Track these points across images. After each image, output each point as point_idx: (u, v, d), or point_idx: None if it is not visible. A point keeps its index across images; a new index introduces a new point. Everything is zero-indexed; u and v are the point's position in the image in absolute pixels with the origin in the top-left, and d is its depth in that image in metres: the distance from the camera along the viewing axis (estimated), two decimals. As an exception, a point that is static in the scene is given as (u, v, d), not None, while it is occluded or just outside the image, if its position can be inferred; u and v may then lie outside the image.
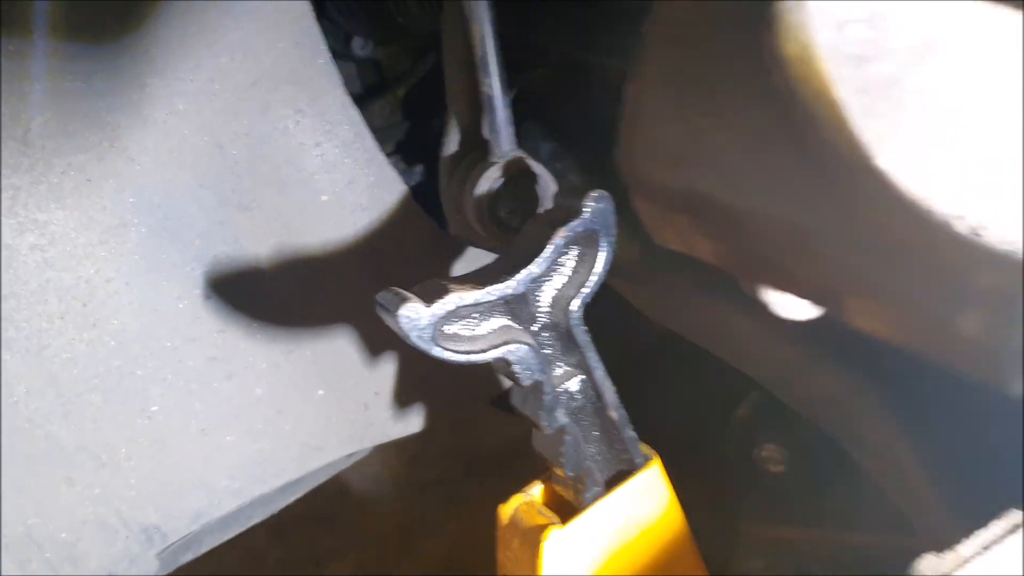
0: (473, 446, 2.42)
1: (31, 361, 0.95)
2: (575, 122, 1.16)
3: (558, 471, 0.92)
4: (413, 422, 1.13)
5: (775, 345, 1.00)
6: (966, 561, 0.58)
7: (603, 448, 0.92)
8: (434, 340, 0.80)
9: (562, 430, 0.89)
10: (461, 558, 1.92)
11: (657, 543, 0.94)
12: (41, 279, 0.93)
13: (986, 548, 0.58)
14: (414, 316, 0.77)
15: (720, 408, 1.62)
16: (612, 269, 1.19)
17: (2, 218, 0.89)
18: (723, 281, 1.07)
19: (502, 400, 1.14)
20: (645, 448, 0.94)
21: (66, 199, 0.92)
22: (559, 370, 0.89)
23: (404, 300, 0.77)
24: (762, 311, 1.03)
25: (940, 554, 0.59)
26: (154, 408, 1.01)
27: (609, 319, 1.07)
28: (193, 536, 1.11)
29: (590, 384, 0.90)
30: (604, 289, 0.89)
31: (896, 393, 0.90)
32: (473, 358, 0.83)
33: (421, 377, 1.13)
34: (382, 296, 0.80)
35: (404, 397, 1.10)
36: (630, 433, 0.92)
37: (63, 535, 0.95)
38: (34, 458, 0.95)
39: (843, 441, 0.97)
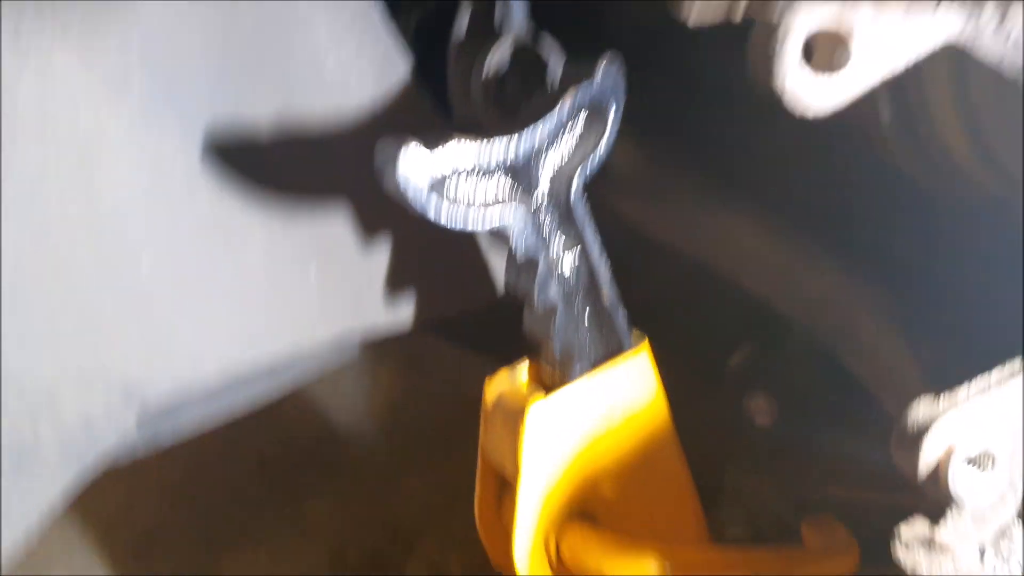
0: (461, 390, 2.41)
1: (22, 209, 0.94)
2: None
3: (546, 351, 0.91)
4: (404, 320, 1.12)
5: (775, 249, 0.99)
6: (963, 403, 0.57)
7: (593, 330, 0.91)
8: (432, 194, 0.79)
9: (553, 309, 0.88)
10: (444, 498, 1.91)
11: (640, 431, 0.93)
12: (39, 120, 0.92)
13: (983, 392, 0.57)
14: (415, 161, 0.76)
15: (711, 363, 1.61)
16: (613, 184, 1.18)
17: (3, 47, 0.87)
18: (723, 191, 1.07)
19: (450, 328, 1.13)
20: (636, 333, 0.93)
21: (71, 39, 0.91)
22: (555, 246, 0.88)
23: (406, 144, 0.76)
24: (763, 217, 1.02)
25: (935, 396, 0.59)
26: (145, 269, 0.99)
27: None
28: (174, 405, 1.10)
29: (585, 262, 0.89)
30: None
31: (894, 295, 0.89)
32: (470, 224, 0.83)
33: (417, 273, 1.11)
34: (382, 144, 0.79)
35: (398, 292, 1.09)
36: (621, 315, 0.91)
37: (43, 380, 0.94)
38: (17, 302, 0.94)
39: (838, 347, 0.97)
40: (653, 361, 0.93)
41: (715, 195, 1.07)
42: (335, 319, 1.10)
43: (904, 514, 0.63)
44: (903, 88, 0.74)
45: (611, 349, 0.92)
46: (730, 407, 1.53)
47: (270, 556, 2.11)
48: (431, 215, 0.81)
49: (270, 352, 1.10)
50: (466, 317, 1.17)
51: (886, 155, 0.82)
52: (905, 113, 0.76)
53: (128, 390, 1.00)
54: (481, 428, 0.96)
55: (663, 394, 0.94)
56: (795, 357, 1.33)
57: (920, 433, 0.56)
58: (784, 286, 0.99)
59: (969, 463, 0.56)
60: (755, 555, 0.88)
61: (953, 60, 0.69)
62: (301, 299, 1.08)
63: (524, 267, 0.87)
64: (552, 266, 0.87)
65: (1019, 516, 0.58)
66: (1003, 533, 0.58)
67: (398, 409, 2.44)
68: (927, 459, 0.56)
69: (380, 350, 2.69)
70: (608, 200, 1.16)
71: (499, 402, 0.93)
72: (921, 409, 0.57)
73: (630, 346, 0.92)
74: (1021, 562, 0.57)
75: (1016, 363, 0.58)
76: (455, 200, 0.82)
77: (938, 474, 0.55)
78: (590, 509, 0.93)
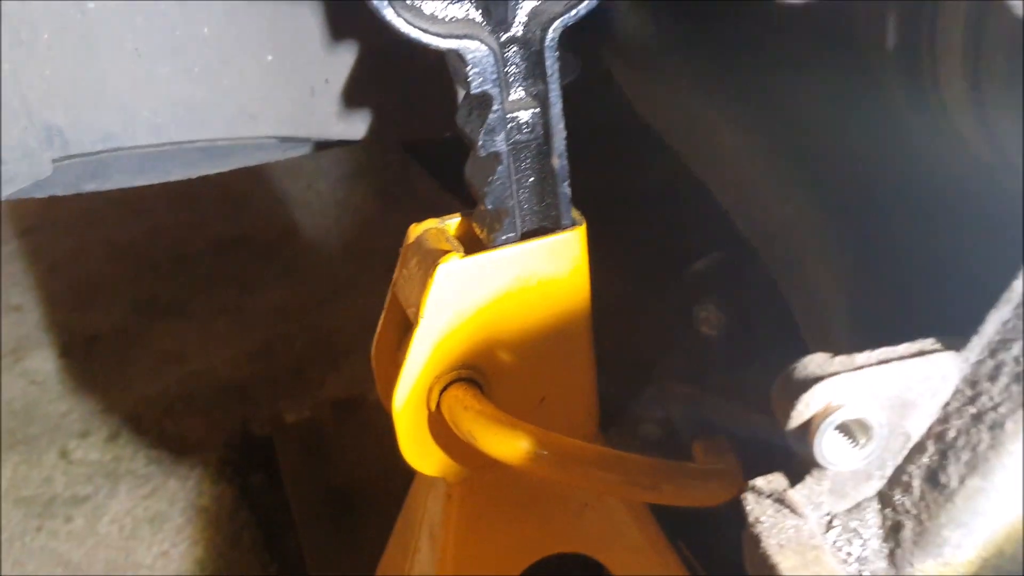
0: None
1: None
2: None
3: (480, 204, 0.86)
4: (357, 127, 1.06)
5: (749, 163, 0.93)
6: (857, 368, 0.53)
7: (533, 197, 0.86)
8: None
9: (496, 157, 0.82)
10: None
11: (553, 312, 0.89)
12: None
13: (883, 362, 0.53)
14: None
15: (677, 262, 1.56)
16: (615, 47, 1.10)
17: None
18: (718, 89, 0.99)
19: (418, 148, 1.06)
20: (576, 213, 0.88)
21: None
22: (515, 95, 0.82)
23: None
24: (747, 129, 0.95)
25: (833, 356, 0.54)
26: (91, 5, 0.92)
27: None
28: (99, 161, 1.05)
29: (542, 121, 0.82)
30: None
31: (851, 243, 0.84)
32: (427, 38, 0.76)
33: (377, 87, 1.04)
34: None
35: (354, 97, 1.02)
36: (565, 189, 0.85)
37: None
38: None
39: (781, 278, 0.92)
40: (585, 246, 0.88)
41: (709, 91, 0.99)
42: (284, 112, 1.04)
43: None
44: (915, 22, 0.67)
45: (546, 222, 0.87)
46: (681, 310, 1.50)
47: (201, 334, 2.11)
48: (389, 18, 0.74)
49: (210, 126, 1.04)
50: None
51: (883, 91, 0.75)
52: (911, 50, 0.69)
53: (49, 132, 0.95)
54: (398, 265, 0.92)
55: (587, 282, 0.90)
56: (755, 279, 1.28)
57: (803, 385, 0.52)
58: (746, 203, 0.93)
59: (841, 431, 0.52)
60: (631, 459, 0.85)
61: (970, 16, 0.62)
62: (251, 85, 1.01)
63: (477, 105, 0.81)
64: (505, 113, 0.81)
65: (879, 499, 0.54)
66: (857, 510, 0.54)
67: (363, 231, 2.41)
68: (800, 413, 0.52)
69: (358, 173, 2.65)
70: (606, 62, 1.09)
71: (419, 246, 0.89)
72: (813, 362, 0.53)
73: (568, 225, 0.87)
74: (865, 547, 0.53)
75: (927, 342, 0.53)
76: (417, 15, 0.76)
77: (807, 431, 0.51)
78: (482, 371, 0.89)
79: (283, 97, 1.03)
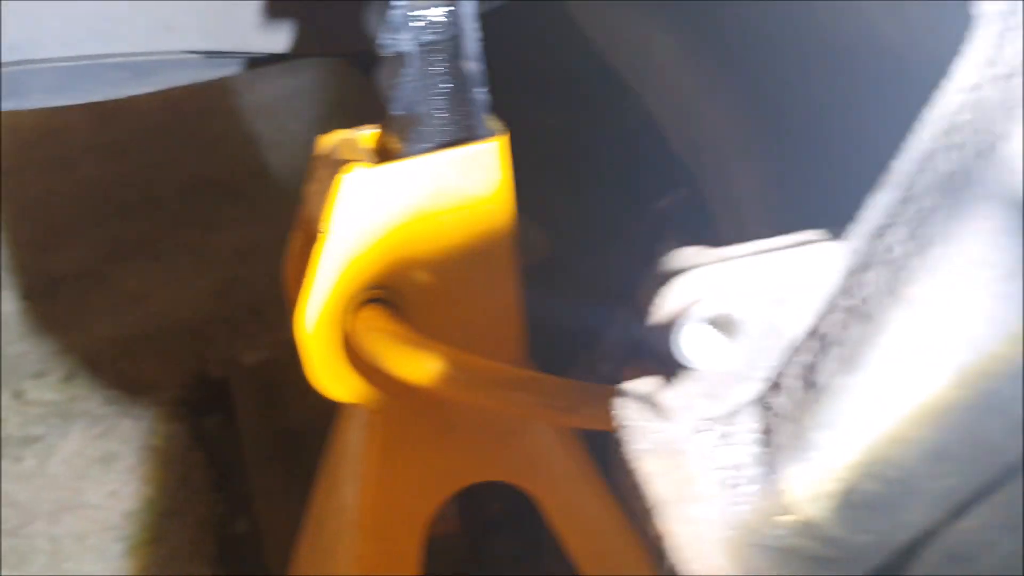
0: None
1: None
2: None
3: (390, 111, 0.81)
4: (280, 40, 1.01)
5: (681, 75, 0.89)
6: (729, 259, 0.49)
7: (448, 104, 0.81)
8: None
9: (402, 58, 0.77)
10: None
11: (472, 228, 0.85)
12: None
13: (759, 253, 0.49)
14: None
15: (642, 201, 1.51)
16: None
17: None
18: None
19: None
20: (495, 122, 0.83)
21: None
22: (423, -11, 0.77)
23: None
24: (683, 35, 0.91)
25: (707, 248, 0.50)
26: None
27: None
28: (14, 77, 1.00)
29: (454, 20, 0.78)
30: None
31: (777, 148, 0.79)
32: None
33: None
34: None
35: (276, 7, 0.98)
36: (480, 95, 0.81)
37: None
38: None
39: (708, 192, 0.88)
40: (507, 158, 0.84)
41: (646, 7, 0.95)
42: (202, 24, 1.00)
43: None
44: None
45: (462, 132, 0.83)
46: (646, 249, 1.45)
47: (164, 275, 2.08)
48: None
49: (124, 40, 1.00)
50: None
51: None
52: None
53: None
54: (306, 179, 0.87)
55: (511, 198, 0.85)
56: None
57: (671, 276, 0.48)
58: (676, 112, 0.89)
59: (709, 326, 0.48)
60: (546, 380, 0.81)
61: None
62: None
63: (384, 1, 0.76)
64: (411, 10, 0.76)
65: (756, 402, 0.50)
66: (732, 415, 0.51)
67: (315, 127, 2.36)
68: (664, 306, 0.47)
69: (332, 114, 2.59)
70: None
71: (327, 157, 0.84)
72: (684, 254, 0.49)
73: (486, 135, 0.83)
74: (738, 453, 0.50)
75: (812, 233, 0.49)
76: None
77: (670, 325, 0.47)
78: (399, 292, 0.85)
79: (201, 8, 0.99)
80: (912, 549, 0.51)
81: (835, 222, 0.51)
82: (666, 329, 0.47)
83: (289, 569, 1.11)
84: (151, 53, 1.02)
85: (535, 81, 1.41)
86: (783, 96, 0.77)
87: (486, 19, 0.99)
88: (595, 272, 1.58)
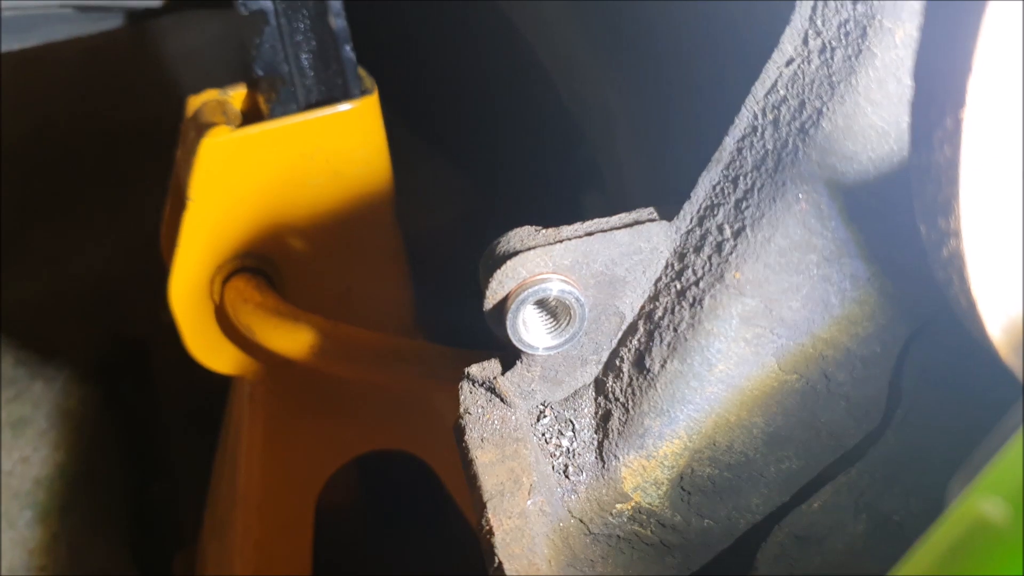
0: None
1: None
2: None
3: (253, 72, 0.77)
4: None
5: (580, 49, 0.85)
6: (560, 241, 0.46)
7: (316, 63, 0.77)
8: None
9: (261, 16, 0.73)
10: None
11: (347, 192, 0.82)
12: None
13: (589, 235, 0.46)
14: None
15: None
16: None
17: None
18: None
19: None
20: (366, 78, 0.80)
21: None
22: (279, -58, 0.72)
23: None
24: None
25: (540, 229, 0.47)
26: None
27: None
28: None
29: (314, -25, 0.73)
30: None
31: (659, 115, 0.76)
32: None
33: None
34: None
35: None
36: (348, 53, 0.77)
37: None
38: None
39: (599, 154, 0.85)
40: (379, 118, 0.80)
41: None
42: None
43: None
44: None
45: (332, 93, 0.79)
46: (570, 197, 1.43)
47: (80, 233, 2.02)
48: None
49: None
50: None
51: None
52: None
53: None
54: (179, 144, 0.83)
55: (385, 157, 0.82)
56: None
57: (500, 260, 0.45)
58: (574, 83, 0.85)
59: (543, 310, 0.46)
60: (428, 349, 0.78)
61: None
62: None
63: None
64: (267, -35, 0.72)
65: (594, 386, 0.48)
66: (572, 398, 0.48)
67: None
68: (495, 291, 0.45)
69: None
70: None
71: (196, 119, 0.80)
72: (517, 236, 0.46)
73: (357, 95, 0.79)
74: (575, 439, 0.48)
75: (645, 211, 0.47)
76: None
77: (503, 308, 0.45)
78: (272, 261, 0.82)
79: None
80: (758, 533, 0.50)
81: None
82: (501, 312, 0.45)
83: (198, 547, 1.09)
84: (24, 7, 0.97)
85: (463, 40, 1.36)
86: (663, 73, 0.74)
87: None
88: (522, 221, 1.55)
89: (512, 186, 1.38)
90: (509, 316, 0.45)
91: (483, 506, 0.45)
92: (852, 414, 0.46)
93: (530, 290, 0.45)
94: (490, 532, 0.44)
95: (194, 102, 0.81)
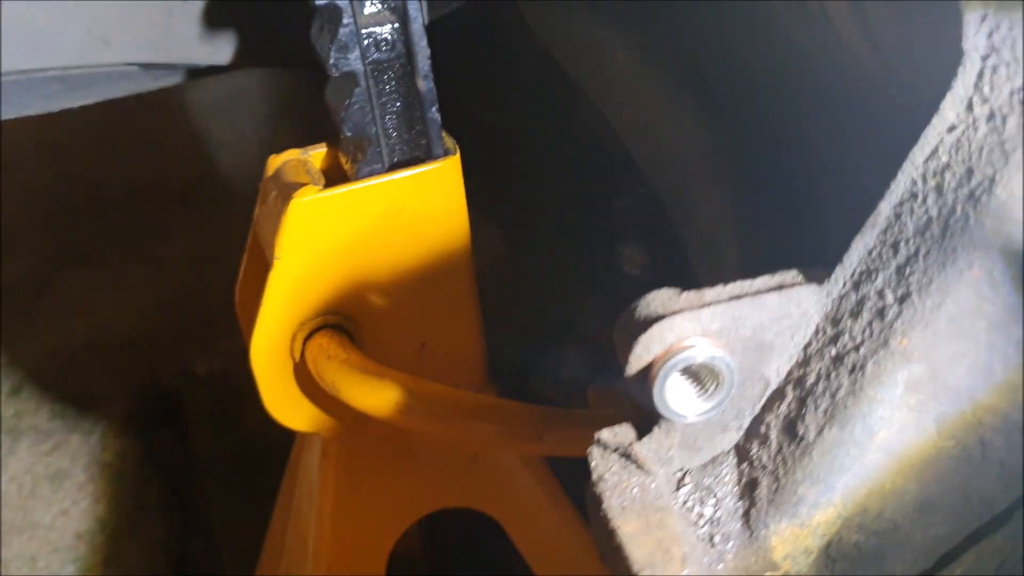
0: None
1: None
2: None
3: (340, 132, 0.78)
4: (223, 51, 0.97)
5: (642, 88, 0.86)
6: (705, 305, 0.46)
7: (401, 124, 0.78)
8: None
9: (351, 78, 0.74)
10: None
11: (428, 249, 0.82)
12: None
13: (735, 298, 0.46)
14: None
15: (598, 200, 1.48)
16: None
17: None
18: (610, 8, 0.92)
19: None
20: (448, 140, 0.80)
21: None
22: (370, 7, 0.73)
23: None
24: (639, 48, 0.88)
25: (682, 291, 0.47)
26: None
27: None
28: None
29: (403, 38, 0.74)
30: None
31: (743, 170, 0.77)
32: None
33: (238, 10, 0.95)
34: None
35: (216, 17, 0.93)
36: (434, 114, 0.77)
37: None
38: None
39: (675, 212, 0.85)
40: (459, 176, 0.80)
41: (603, 15, 0.92)
42: (141, 35, 0.95)
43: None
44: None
45: (417, 152, 0.79)
46: (605, 249, 1.43)
47: (112, 283, 2.02)
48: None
49: (61, 56, 0.95)
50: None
51: (772, 18, 0.67)
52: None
53: None
54: (257, 201, 0.83)
55: (464, 216, 0.82)
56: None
57: (643, 325, 0.45)
58: (638, 128, 0.86)
59: (688, 376, 0.46)
60: (510, 407, 0.78)
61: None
62: (101, 6, 0.92)
63: (327, 19, 0.72)
64: (359, 28, 0.72)
65: (736, 452, 0.48)
66: (712, 464, 0.48)
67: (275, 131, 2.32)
68: (639, 357, 0.45)
69: (283, 113, 2.53)
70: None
71: (277, 179, 0.80)
72: (657, 299, 0.46)
73: (441, 155, 0.79)
74: (718, 506, 0.47)
75: (789, 275, 0.47)
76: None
77: (648, 375, 0.44)
78: (352, 318, 0.82)
79: (138, 19, 0.94)
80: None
81: (805, 257, 0.49)
82: (644, 378, 0.45)
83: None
84: (88, 66, 0.98)
85: (491, 83, 1.38)
86: (750, 112, 0.75)
87: (439, 23, 0.96)
88: (552, 273, 1.55)
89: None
90: (656, 384, 0.45)
91: (636, 576, 0.44)
92: (1003, 480, 0.45)
93: (679, 356, 0.45)
94: (647, 603, 0.44)
95: (274, 161, 0.82)
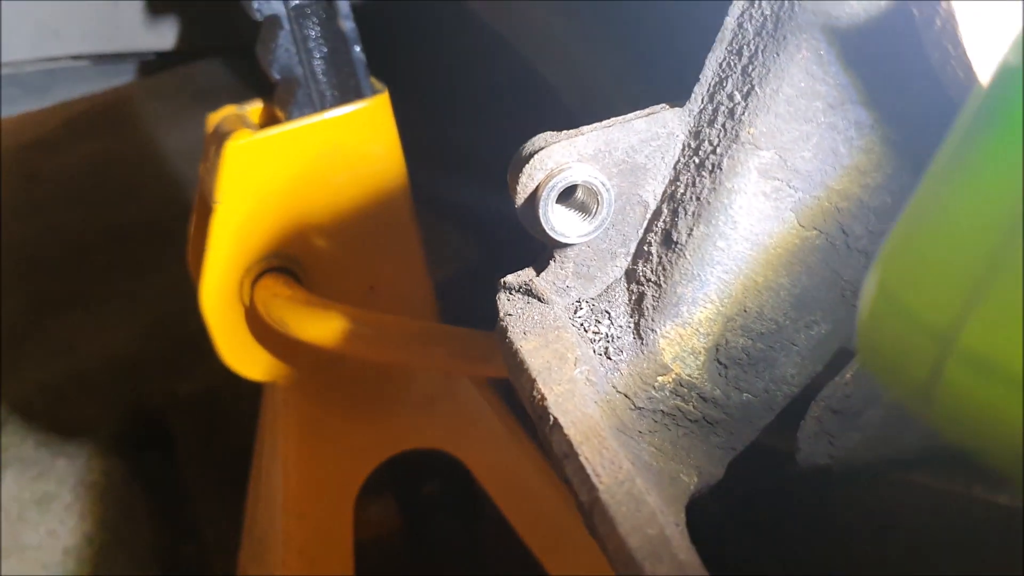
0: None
1: None
2: None
3: (269, 77, 0.82)
4: (166, 37, 1.02)
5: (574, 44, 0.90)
6: (581, 135, 0.50)
7: (329, 68, 0.82)
8: None
9: (275, 21, 0.78)
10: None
11: (365, 188, 0.85)
12: None
13: (608, 126, 0.50)
14: None
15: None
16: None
17: None
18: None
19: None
20: (376, 81, 0.84)
21: None
22: (288, -48, 0.78)
23: None
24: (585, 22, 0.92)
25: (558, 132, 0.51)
26: None
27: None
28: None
29: (322, -18, 0.79)
30: None
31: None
32: None
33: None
34: None
35: (160, 7, 0.98)
36: (358, 54, 0.82)
37: None
38: None
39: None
40: (391, 116, 0.84)
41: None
42: (88, 28, 1.00)
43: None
44: None
45: (344, 92, 0.83)
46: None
47: (95, 321, 2.05)
48: None
49: (13, 50, 0.99)
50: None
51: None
52: None
53: None
54: (201, 160, 0.88)
55: (399, 155, 0.86)
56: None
57: (529, 157, 0.49)
58: (568, 71, 0.90)
59: (572, 205, 0.49)
60: (458, 332, 0.81)
61: None
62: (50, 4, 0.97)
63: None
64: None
65: (626, 276, 0.51)
66: (607, 293, 0.51)
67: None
68: (525, 185, 0.48)
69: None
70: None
71: (216, 133, 0.84)
72: (541, 138, 0.50)
73: (368, 93, 0.84)
74: (612, 325, 0.50)
75: (658, 106, 0.50)
76: None
77: (534, 202, 0.48)
78: (298, 260, 0.85)
79: (86, 10, 0.99)
80: (798, 410, 0.52)
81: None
82: (533, 204, 0.48)
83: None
84: (40, 60, 1.02)
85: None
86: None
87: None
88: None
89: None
90: (541, 205, 0.48)
91: (532, 383, 0.47)
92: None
93: (558, 177, 0.48)
94: (542, 399, 0.46)
95: (213, 118, 0.86)
